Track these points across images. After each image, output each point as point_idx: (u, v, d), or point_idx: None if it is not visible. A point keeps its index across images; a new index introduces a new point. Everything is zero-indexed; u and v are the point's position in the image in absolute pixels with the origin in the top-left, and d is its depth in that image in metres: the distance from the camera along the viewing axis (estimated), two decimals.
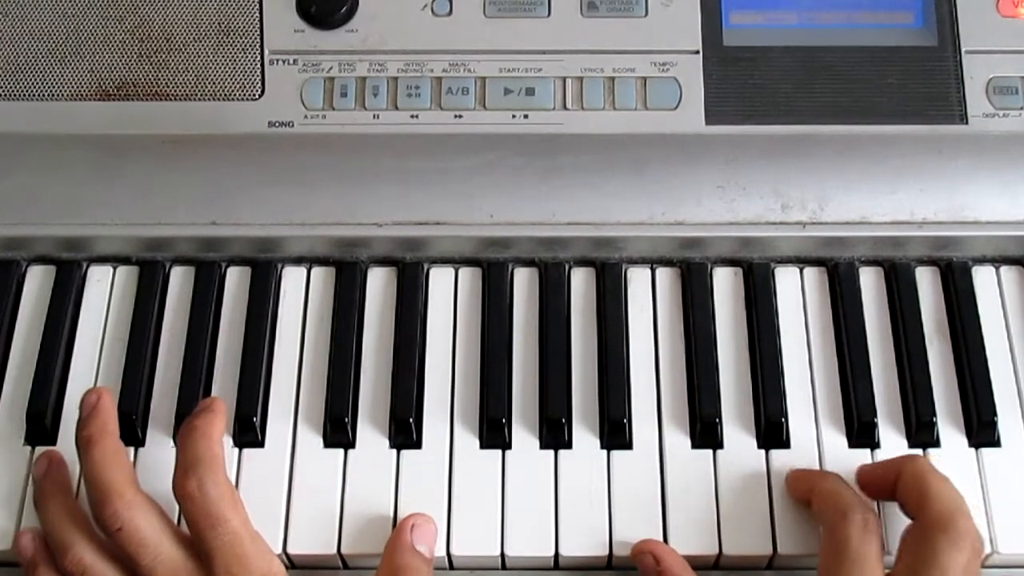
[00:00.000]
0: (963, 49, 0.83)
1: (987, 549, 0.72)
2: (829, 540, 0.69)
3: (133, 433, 0.75)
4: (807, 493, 0.72)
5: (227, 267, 0.82)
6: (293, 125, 0.82)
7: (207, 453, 0.70)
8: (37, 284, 0.81)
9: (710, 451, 0.76)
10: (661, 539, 0.73)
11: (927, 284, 0.81)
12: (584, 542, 0.73)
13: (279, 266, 0.81)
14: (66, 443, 0.76)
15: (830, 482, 0.72)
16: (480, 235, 0.80)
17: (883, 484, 0.72)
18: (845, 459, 0.75)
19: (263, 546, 0.70)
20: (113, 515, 0.68)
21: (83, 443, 0.71)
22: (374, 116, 0.82)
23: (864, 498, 0.71)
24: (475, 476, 0.75)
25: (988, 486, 0.74)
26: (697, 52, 0.83)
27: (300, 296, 0.81)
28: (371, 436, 0.76)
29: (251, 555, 0.68)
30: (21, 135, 0.82)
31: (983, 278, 0.81)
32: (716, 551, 0.73)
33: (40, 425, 0.76)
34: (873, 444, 0.76)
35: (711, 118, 0.82)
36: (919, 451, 0.76)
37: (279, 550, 0.73)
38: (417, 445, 0.76)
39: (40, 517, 0.72)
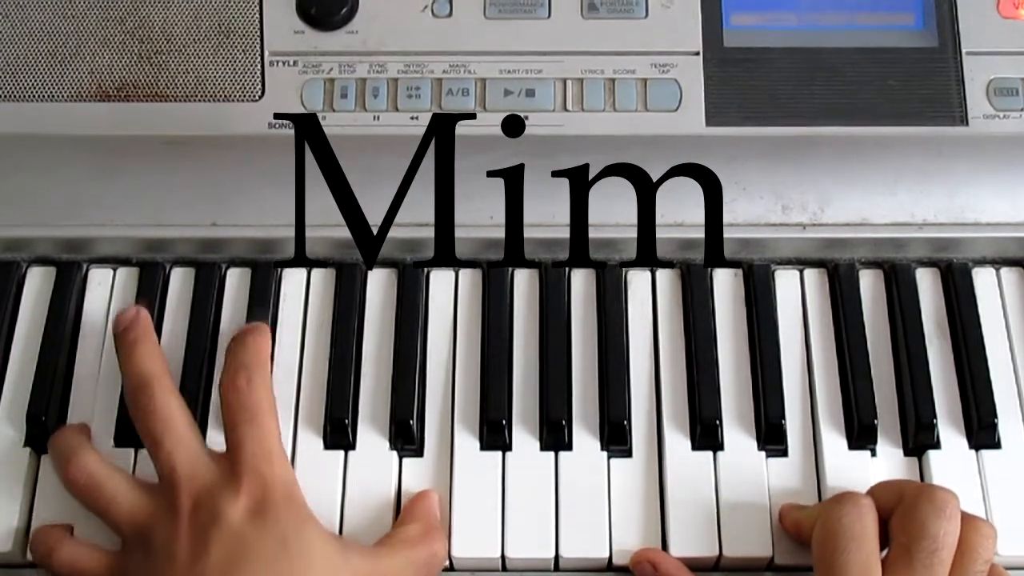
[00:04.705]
0: (963, 50, 0.83)
1: None
2: (821, 526, 0.68)
3: (134, 435, 0.75)
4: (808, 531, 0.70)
5: (227, 268, 0.82)
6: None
7: (258, 359, 0.72)
8: (37, 285, 0.81)
9: (710, 453, 0.75)
10: (661, 541, 0.73)
11: (927, 285, 0.81)
12: (584, 544, 0.73)
13: (279, 267, 0.81)
14: None
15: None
16: (480, 236, 0.80)
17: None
18: (845, 461, 0.75)
19: (287, 460, 0.71)
20: (151, 397, 0.70)
21: (127, 343, 0.72)
22: (374, 117, 0.82)
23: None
24: (475, 478, 0.75)
25: (988, 488, 0.74)
26: (697, 53, 0.83)
27: (300, 297, 0.81)
28: (371, 438, 0.76)
29: (277, 455, 0.70)
30: (21, 136, 0.82)
31: (983, 279, 0.81)
32: (716, 553, 0.73)
33: (40, 427, 0.75)
34: (873, 446, 0.76)
35: (711, 119, 0.82)
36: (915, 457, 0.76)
37: None
38: (417, 447, 0.76)
39: (50, 444, 0.74)
